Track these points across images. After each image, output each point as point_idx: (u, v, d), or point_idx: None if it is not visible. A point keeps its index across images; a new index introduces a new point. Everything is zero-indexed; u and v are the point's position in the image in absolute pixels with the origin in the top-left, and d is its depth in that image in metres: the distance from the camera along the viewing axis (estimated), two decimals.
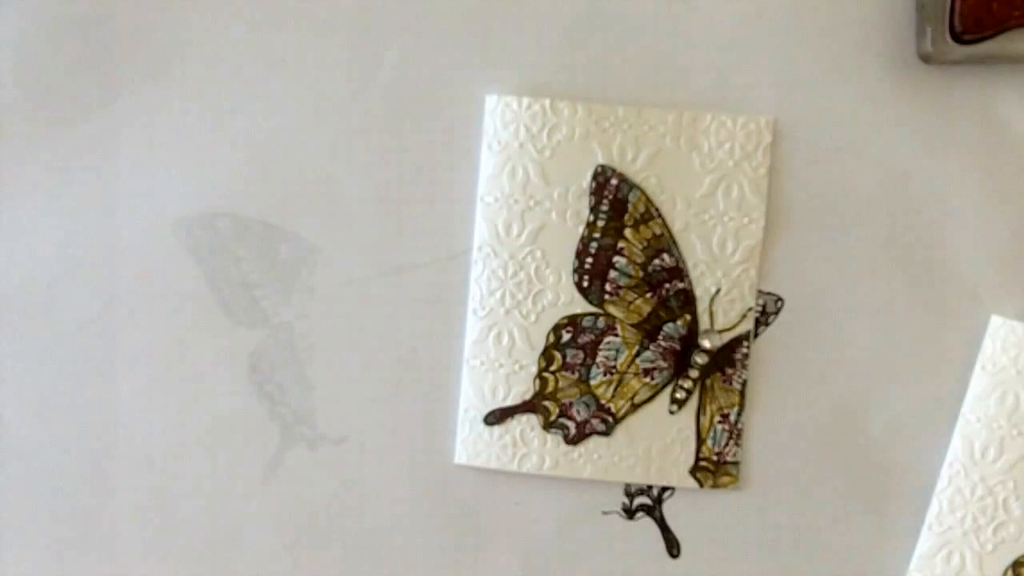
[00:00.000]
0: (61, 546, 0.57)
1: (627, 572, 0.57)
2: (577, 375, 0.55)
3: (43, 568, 0.57)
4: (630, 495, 0.56)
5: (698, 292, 0.55)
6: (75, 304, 0.56)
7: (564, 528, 0.56)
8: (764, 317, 0.55)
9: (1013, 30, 0.52)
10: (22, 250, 0.56)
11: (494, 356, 0.55)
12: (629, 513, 0.56)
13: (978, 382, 0.55)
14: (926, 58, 0.54)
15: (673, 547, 0.56)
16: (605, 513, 0.56)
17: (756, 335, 0.56)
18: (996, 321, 0.55)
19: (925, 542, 0.55)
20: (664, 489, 0.56)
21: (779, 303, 0.56)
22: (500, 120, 0.54)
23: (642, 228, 0.55)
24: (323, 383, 0.56)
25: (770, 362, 0.56)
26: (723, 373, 0.55)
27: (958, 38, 0.52)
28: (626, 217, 0.54)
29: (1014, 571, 0.54)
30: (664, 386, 0.55)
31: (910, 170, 0.55)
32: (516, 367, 0.55)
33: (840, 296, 0.56)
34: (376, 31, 0.55)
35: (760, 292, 0.55)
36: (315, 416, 0.56)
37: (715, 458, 0.55)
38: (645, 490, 0.56)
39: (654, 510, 0.56)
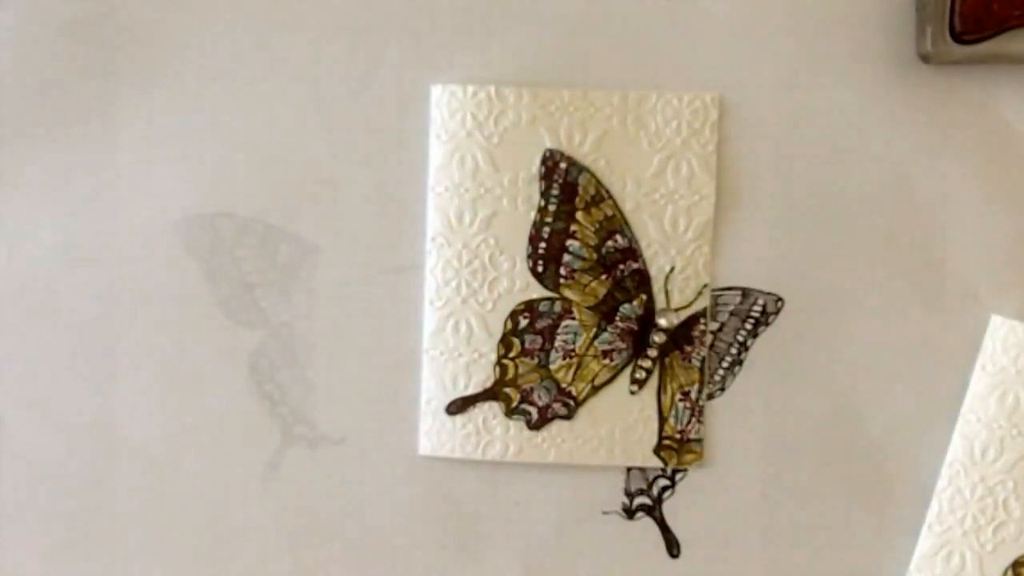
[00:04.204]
0: (61, 546, 0.57)
1: (627, 572, 0.57)
2: (536, 360, 0.55)
3: (43, 568, 0.57)
4: (630, 495, 0.56)
5: (652, 272, 0.55)
6: (75, 304, 0.56)
7: (564, 528, 0.56)
8: (764, 317, 0.56)
9: (1013, 30, 0.52)
10: (22, 250, 0.56)
11: (453, 346, 0.55)
12: (629, 513, 0.56)
13: (978, 382, 0.55)
14: (926, 58, 0.54)
15: (673, 547, 0.56)
16: (605, 513, 0.56)
17: (756, 335, 0.56)
18: (996, 321, 0.55)
19: (925, 542, 0.55)
20: (664, 489, 0.56)
21: (779, 303, 0.56)
22: (446, 109, 0.54)
23: (593, 210, 0.55)
24: (323, 383, 0.56)
25: (770, 362, 0.56)
26: (682, 351, 0.55)
27: (958, 38, 0.52)
28: (577, 200, 0.55)
29: (1014, 571, 0.54)
30: (624, 367, 0.55)
31: (910, 170, 0.55)
32: (475, 355, 0.55)
33: (840, 296, 0.56)
34: (376, 29, 0.55)
35: (760, 292, 0.55)
36: (315, 416, 0.56)
37: (678, 436, 0.55)
38: (645, 490, 0.56)
39: (654, 510, 0.56)
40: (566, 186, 0.55)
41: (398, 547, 0.57)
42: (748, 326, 0.56)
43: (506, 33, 0.55)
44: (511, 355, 0.55)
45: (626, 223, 0.55)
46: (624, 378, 0.56)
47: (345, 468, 0.56)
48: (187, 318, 0.56)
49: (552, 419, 0.56)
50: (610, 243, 0.55)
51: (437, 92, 0.55)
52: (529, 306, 0.55)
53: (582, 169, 0.55)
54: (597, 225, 0.55)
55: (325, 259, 0.56)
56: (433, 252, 0.55)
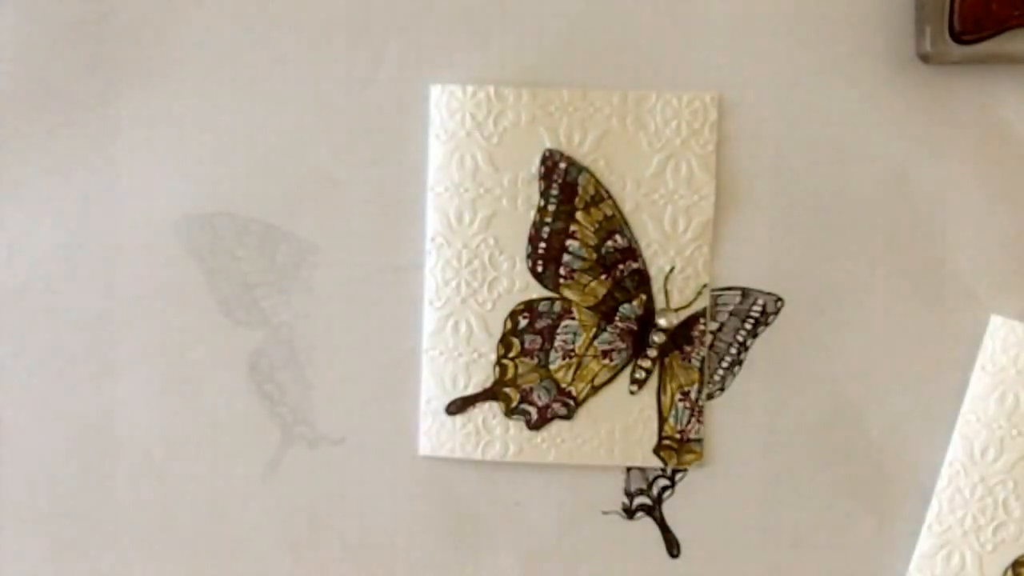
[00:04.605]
0: (61, 546, 0.57)
1: (627, 572, 0.57)
2: (536, 360, 0.55)
3: (43, 568, 0.57)
4: (630, 495, 0.56)
5: (652, 272, 0.55)
6: (75, 304, 0.56)
7: (564, 528, 0.56)
8: (764, 317, 0.56)
9: (1012, 30, 0.52)
10: (22, 250, 0.56)
11: (452, 346, 0.55)
12: (629, 513, 0.56)
13: (978, 382, 0.55)
14: (925, 58, 0.54)
15: (673, 547, 0.56)
16: (605, 513, 0.56)
17: (756, 335, 0.56)
18: (996, 321, 0.55)
19: (925, 542, 0.55)
20: (664, 489, 0.56)
21: (779, 303, 0.56)
22: (446, 109, 0.54)
23: (593, 210, 0.55)
24: (323, 383, 0.56)
25: (770, 362, 0.56)
26: (681, 351, 0.55)
27: (957, 38, 0.52)
28: (576, 200, 0.55)
29: (1014, 571, 0.54)
30: (623, 367, 0.56)
31: (910, 170, 0.55)
32: (475, 355, 0.55)
33: (840, 296, 0.56)
34: (376, 29, 0.55)
35: (760, 292, 0.55)
36: (315, 416, 0.56)
37: (678, 436, 0.56)
38: (645, 490, 0.56)
39: (654, 510, 0.56)
40: (566, 186, 0.55)
41: (398, 547, 0.57)
42: (748, 326, 0.56)
43: (506, 33, 0.55)
44: (511, 355, 0.55)
45: (626, 223, 0.55)
46: (624, 378, 0.56)
47: (345, 468, 0.56)
48: (187, 318, 0.56)
49: (552, 419, 0.56)
50: (610, 243, 0.55)
51: (437, 92, 0.55)
52: (529, 306, 0.55)
53: (581, 169, 0.55)
54: (597, 225, 0.55)
55: (325, 259, 0.56)
56: (433, 252, 0.55)
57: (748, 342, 0.56)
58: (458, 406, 0.55)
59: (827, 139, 0.55)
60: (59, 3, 0.55)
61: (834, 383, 0.56)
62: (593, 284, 0.55)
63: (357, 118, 0.55)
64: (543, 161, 0.55)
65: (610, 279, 0.55)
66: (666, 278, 0.55)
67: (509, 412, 0.55)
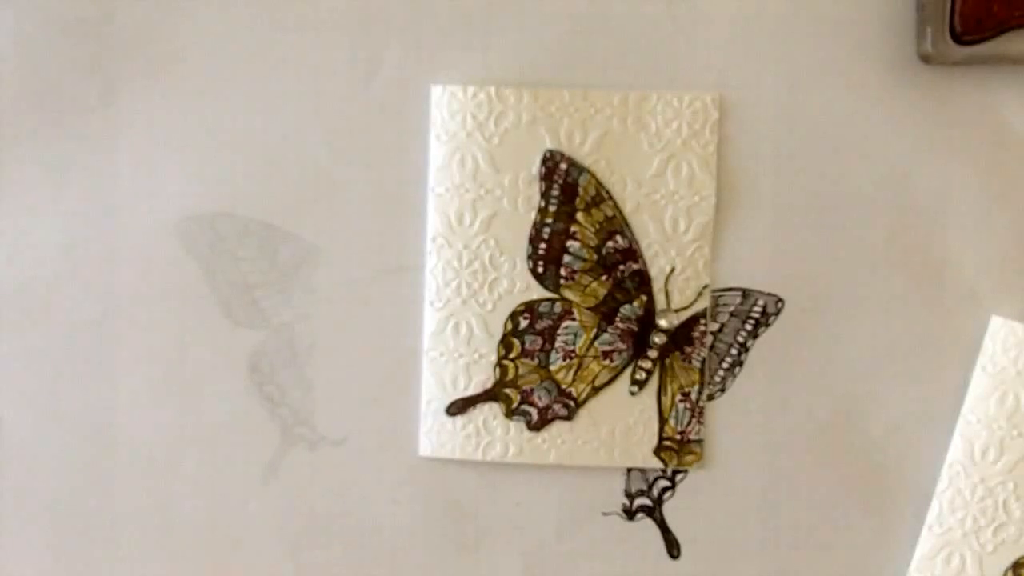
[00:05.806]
0: (61, 546, 0.57)
1: (627, 573, 0.57)
2: (537, 361, 0.55)
3: (43, 568, 0.57)
4: (630, 496, 0.56)
5: (653, 272, 0.55)
6: (75, 304, 0.56)
7: (564, 528, 0.56)
8: (764, 317, 0.56)
9: (1013, 31, 0.52)
10: (22, 250, 0.56)
11: (453, 346, 0.55)
12: (629, 514, 0.56)
13: (978, 383, 0.55)
14: (926, 58, 0.54)
15: (673, 547, 0.56)
16: (605, 514, 0.56)
17: (756, 335, 0.56)
18: (996, 321, 0.55)
19: (925, 543, 0.55)
20: (664, 490, 0.56)
21: (779, 303, 0.56)
22: (447, 110, 0.54)
23: (594, 211, 0.55)
24: (323, 383, 0.56)
25: (770, 363, 0.56)
26: (682, 352, 0.55)
27: (958, 39, 0.53)
28: (577, 201, 0.55)
29: (1014, 572, 0.54)
30: (624, 368, 0.56)
31: (910, 170, 0.55)
32: (476, 356, 0.55)
33: (840, 296, 0.56)
34: (376, 29, 0.55)
35: (760, 293, 0.56)
36: (315, 416, 0.56)
37: (678, 437, 0.56)
38: (645, 491, 0.56)
39: (654, 511, 0.56)
40: (566, 187, 0.55)
41: (398, 547, 0.57)
42: (748, 327, 0.56)
43: (506, 33, 0.55)
44: (511, 356, 0.55)
45: (626, 224, 0.55)
46: (624, 379, 0.56)
47: (345, 469, 0.56)
48: (187, 318, 0.56)
49: (552, 420, 0.56)
50: (610, 244, 0.55)
51: (437, 93, 0.55)
52: (529, 307, 0.55)
53: (582, 170, 0.55)
54: (597, 226, 0.55)
55: (325, 259, 0.56)
56: (433, 253, 0.55)
57: (748, 343, 0.56)
58: (459, 407, 0.55)
59: (828, 139, 0.55)
60: (59, 3, 0.55)
61: (834, 383, 0.56)
62: (594, 285, 0.55)
63: (357, 118, 0.55)
64: (544, 162, 0.55)
65: (611, 280, 0.55)
66: (667, 279, 0.55)
67: (509, 413, 0.55)
